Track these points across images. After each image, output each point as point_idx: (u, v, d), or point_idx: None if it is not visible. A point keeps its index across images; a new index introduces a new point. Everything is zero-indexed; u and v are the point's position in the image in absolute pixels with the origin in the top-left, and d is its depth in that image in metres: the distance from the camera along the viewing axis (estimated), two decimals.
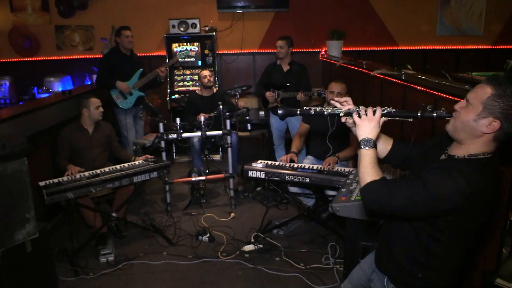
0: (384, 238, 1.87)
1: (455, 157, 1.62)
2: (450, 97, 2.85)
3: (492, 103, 1.49)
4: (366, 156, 1.62)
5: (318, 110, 1.81)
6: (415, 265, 1.70)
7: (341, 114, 1.76)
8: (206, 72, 5.10)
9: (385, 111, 1.67)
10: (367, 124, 1.64)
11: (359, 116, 1.67)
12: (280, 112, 1.90)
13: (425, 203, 1.49)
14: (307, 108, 1.86)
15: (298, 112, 1.85)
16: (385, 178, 1.60)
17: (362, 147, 1.63)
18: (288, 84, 4.90)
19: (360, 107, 1.70)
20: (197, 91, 5.26)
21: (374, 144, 1.63)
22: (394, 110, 1.68)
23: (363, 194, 1.59)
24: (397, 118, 1.70)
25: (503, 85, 1.47)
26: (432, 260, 1.66)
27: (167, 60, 5.99)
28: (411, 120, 1.69)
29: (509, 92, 1.46)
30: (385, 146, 1.92)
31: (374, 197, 1.55)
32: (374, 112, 1.65)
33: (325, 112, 1.79)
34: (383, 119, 1.68)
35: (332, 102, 1.87)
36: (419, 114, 1.65)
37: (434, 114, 1.64)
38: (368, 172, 1.59)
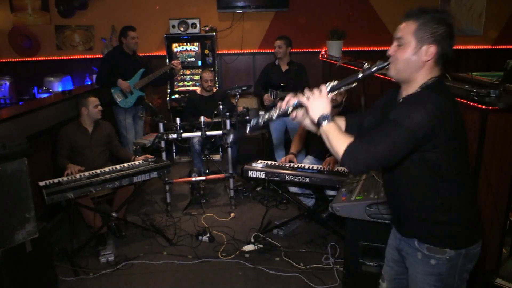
0: (393, 202, 1.85)
1: (410, 95, 1.65)
2: None
3: (421, 32, 1.59)
4: (330, 129, 1.59)
5: (266, 118, 1.74)
6: (436, 212, 1.67)
7: (289, 110, 1.73)
8: (208, 77, 5.10)
9: (329, 86, 1.66)
10: (317, 102, 1.63)
11: (307, 99, 1.65)
12: (232, 140, 1.97)
13: (405, 138, 1.51)
14: (255, 121, 1.75)
15: (248, 129, 1.76)
16: (357, 137, 1.58)
17: (322, 124, 1.60)
18: (282, 84, 4.89)
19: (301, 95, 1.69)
20: (197, 91, 5.27)
21: (332, 117, 1.61)
22: (336, 82, 1.68)
23: (346, 162, 1.54)
24: (342, 89, 1.70)
25: (422, 15, 1.59)
26: (448, 199, 1.65)
27: (167, 61, 5.99)
28: (354, 85, 1.69)
29: (430, 17, 1.58)
30: (340, 124, 1.87)
31: (357, 158, 1.52)
32: (320, 92, 1.65)
33: (274, 117, 1.74)
34: (330, 95, 1.66)
35: (278, 104, 1.80)
36: (359, 75, 1.67)
37: (373, 69, 1.67)
38: (340, 140, 1.56)
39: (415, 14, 1.61)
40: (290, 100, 1.72)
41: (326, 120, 1.60)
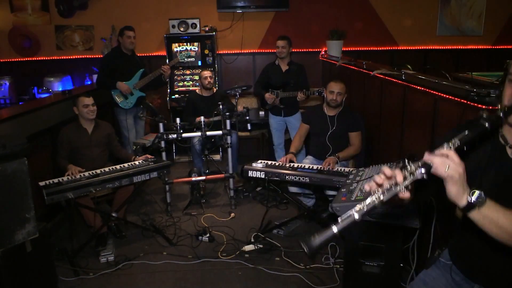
0: (487, 254, 1.47)
1: None
2: (450, 97, 2.85)
3: None
4: (492, 211, 1.19)
5: (375, 201, 1.16)
6: None
7: (402, 189, 1.15)
8: (207, 74, 5.11)
9: (454, 146, 1.18)
10: (459, 175, 1.15)
11: (445, 176, 1.15)
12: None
13: None
14: (357, 210, 1.18)
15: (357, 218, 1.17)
16: None
17: (476, 205, 1.17)
18: (281, 85, 4.89)
19: (409, 165, 1.17)
20: (197, 91, 5.26)
21: (484, 196, 1.18)
22: (458, 138, 1.20)
23: None
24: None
25: None
26: None
27: (167, 61, 5.99)
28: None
29: None
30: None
31: None
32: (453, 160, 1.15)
33: (377, 201, 1.16)
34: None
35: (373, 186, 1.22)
36: (487, 125, 1.22)
37: (501, 114, 1.28)
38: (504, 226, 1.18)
39: None
40: (398, 176, 1.15)
41: (481, 198, 1.17)
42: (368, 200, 1.15)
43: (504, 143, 1.41)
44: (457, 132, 1.25)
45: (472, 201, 1.16)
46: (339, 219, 1.14)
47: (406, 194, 1.14)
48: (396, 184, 1.14)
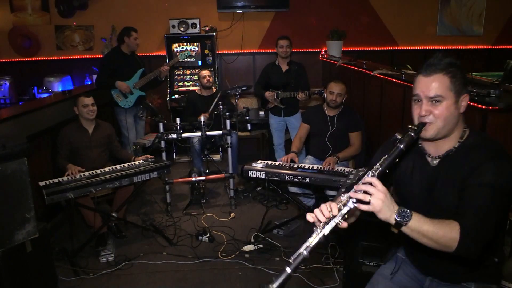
0: (435, 255, 1.58)
1: (453, 150, 1.56)
2: None
3: (455, 84, 1.51)
4: (421, 225, 1.35)
5: (319, 236, 1.29)
6: (493, 257, 1.64)
7: (341, 223, 1.32)
8: (205, 73, 5.12)
9: (377, 172, 1.38)
10: (382, 200, 1.32)
11: (367, 203, 1.33)
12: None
13: (504, 199, 1.45)
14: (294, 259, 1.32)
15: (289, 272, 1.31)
16: (460, 217, 1.41)
17: (403, 223, 1.34)
18: (281, 85, 4.89)
19: (343, 197, 1.35)
20: (196, 91, 5.26)
21: (409, 210, 1.35)
22: (379, 164, 1.40)
23: (467, 247, 1.37)
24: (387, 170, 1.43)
25: (447, 67, 1.51)
26: (500, 242, 1.65)
27: (167, 61, 5.99)
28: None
29: (455, 67, 1.52)
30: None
31: (478, 239, 1.38)
32: (375, 186, 1.33)
33: (325, 232, 1.30)
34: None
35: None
36: (401, 146, 1.41)
37: (412, 134, 1.46)
38: (446, 228, 1.37)
39: (440, 66, 1.51)
40: (332, 209, 1.33)
41: (407, 216, 1.34)
42: (313, 236, 1.29)
43: (425, 152, 1.63)
44: (391, 145, 1.57)
45: (399, 220, 1.33)
46: (291, 260, 1.28)
47: (344, 224, 1.31)
48: (334, 216, 1.30)
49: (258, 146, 6.20)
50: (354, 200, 1.32)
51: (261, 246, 3.62)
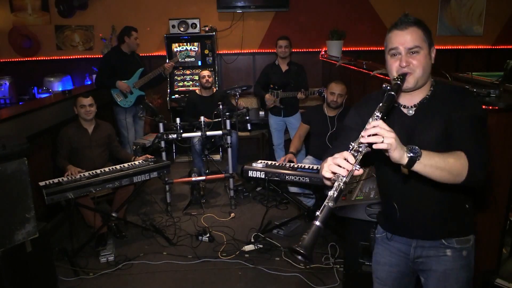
0: (409, 210, 1.71)
1: (427, 97, 1.65)
2: None
3: (427, 37, 1.62)
4: (431, 158, 1.37)
5: (341, 185, 1.28)
6: (465, 206, 1.70)
7: (357, 168, 1.30)
8: (205, 73, 5.12)
9: (380, 116, 1.37)
10: (393, 138, 1.30)
11: (373, 143, 1.31)
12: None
13: (485, 127, 1.56)
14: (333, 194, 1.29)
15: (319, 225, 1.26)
16: (463, 146, 1.46)
17: (416, 159, 1.34)
18: (281, 85, 4.89)
19: (353, 145, 1.34)
20: (197, 91, 5.27)
21: (418, 148, 1.35)
22: (377, 111, 1.39)
23: (478, 174, 1.42)
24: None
25: (417, 21, 1.63)
26: (472, 190, 1.68)
27: (167, 60, 5.99)
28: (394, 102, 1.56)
29: (423, 22, 1.64)
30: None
31: (485, 164, 1.45)
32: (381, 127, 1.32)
33: (342, 184, 1.28)
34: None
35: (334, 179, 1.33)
36: (392, 92, 1.46)
37: (398, 81, 1.53)
38: (454, 159, 1.41)
39: (416, 21, 1.63)
40: (350, 158, 1.30)
41: (418, 152, 1.34)
42: (335, 186, 1.29)
43: (398, 105, 1.70)
44: (365, 103, 1.76)
45: (412, 155, 1.33)
46: (318, 213, 1.27)
47: (360, 171, 1.30)
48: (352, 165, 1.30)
49: (258, 146, 6.20)
50: (366, 145, 1.31)
51: (261, 246, 3.63)
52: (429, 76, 1.66)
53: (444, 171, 1.38)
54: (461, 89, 1.60)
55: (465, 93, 1.62)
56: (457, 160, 1.40)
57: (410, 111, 1.68)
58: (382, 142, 1.29)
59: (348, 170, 1.28)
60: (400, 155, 1.32)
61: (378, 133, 1.30)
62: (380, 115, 1.37)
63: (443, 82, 1.67)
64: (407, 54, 1.59)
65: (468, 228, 1.74)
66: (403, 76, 1.57)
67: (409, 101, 1.68)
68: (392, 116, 1.68)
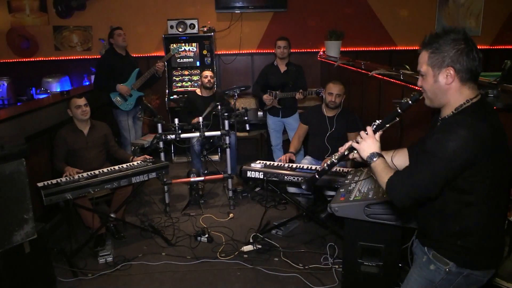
0: (419, 215, 1.86)
1: (446, 117, 1.68)
2: None
3: (433, 60, 1.64)
4: (376, 166, 1.71)
5: (329, 163, 1.92)
6: (452, 236, 1.67)
7: (346, 153, 1.88)
8: (208, 73, 5.14)
9: (374, 126, 1.78)
10: (365, 144, 1.75)
11: (357, 142, 1.78)
12: (304, 187, 2.03)
13: (441, 168, 1.53)
14: (320, 168, 2.02)
15: (317, 176, 1.96)
16: (398, 170, 1.68)
17: (371, 162, 1.72)
18: (279, 86, 4.89)
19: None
20: (197, 91, 5.26)
21: (378, 155, 1.72)
22: (380, 121, 1.79)
23: (388, 194, 1.64)
24: (387, 126, 1.78)
25: (431, 43, 1.66)
26: (467, 227, 1.65)
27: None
28: (398, 119, 1.78)
29: (439, 43, 1.64)
30: (404, 158, 1.96)
31: (396, 190, 1.60)
32: (367, 133, 1.76)
33: (335, 161, 1.91)
34: (378, 134, 1.77)
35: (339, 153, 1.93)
36: (399, 110, 1.74)
37: (410, 102, 1.73)
38: (383, 175, 1.67)
39: (425, 44, 1.69)
40: (346, 145, 1.89)
41: (374, 158, 1.72)
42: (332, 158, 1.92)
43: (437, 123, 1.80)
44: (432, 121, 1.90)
45: (366, 159, 1.75)
46: (319, 167, 1.84)
47: (355, 156, 1.85)
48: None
49: (257, 146, 6.20)
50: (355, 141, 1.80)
51: (259, 246, 3.62)
52: (455, 97, 1.64)
53: (378, 181, 1.72)
54: (450, 122, 1.60)
55: (445, 128, 1.58)
56: (383, 178, 1.66)
57: (438, 123, 1.75)
58: (357, 143, 1.78)
59: (340, 152, 1.90)
60: (363, 155, 1.76)
61: (361, 136, 1.77)
62: (375, 125, 1.78)
63: (473, 106, 1.62)
64: (420, 77, 1.73)
65: (449, 253, 1.69)
66: (417, 96, 1.73)
67: (442, 114, 1.74)
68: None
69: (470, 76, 1.61)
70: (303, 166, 3.70)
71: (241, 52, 6.61)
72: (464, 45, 1.61)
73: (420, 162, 1.58)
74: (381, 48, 6.70)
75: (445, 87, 1.63)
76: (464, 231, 1.65)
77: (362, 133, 1.77)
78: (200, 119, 4.38)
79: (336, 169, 3.58)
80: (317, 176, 1.95)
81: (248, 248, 3.62)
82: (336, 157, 1.91)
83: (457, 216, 1.65)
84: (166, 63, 5.41)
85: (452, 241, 1.68)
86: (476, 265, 1.68)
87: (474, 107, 1.61)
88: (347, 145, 1.88)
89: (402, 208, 1.67)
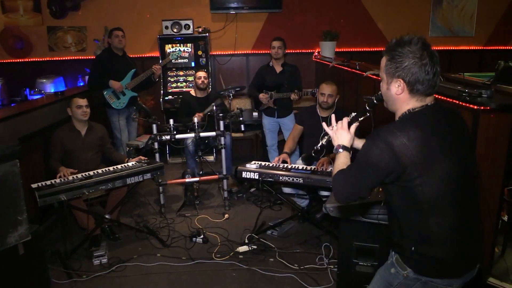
0: (388, 216, 1.90)
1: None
2: (442, 97, 2.87)
3: (388, 68, 1.65)
4: (338, 158, 1.79)
5: (319, 146, 2.25)
6: (410, 243, 1.65)
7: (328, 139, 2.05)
8: (201, 74, 5.12)
9: (350, 118, 1.88)
10: (338, 133, 1.84)
11: (333, 130, 1.89)
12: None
13: (366, 174, 1.60)
14: (314, 148, 2.36)
15: (314, 154, 2.36)
16: (343, 169, 1.73)
17: (335, 151, 1.82)
18: (275, 86, 4.90)
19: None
20: (191, 92, 5.26)
21: (344, 148, 1.81)
22: (354, 114, 1.90)
23: (332, 190, 1.72)
24: (360, 119, 1.89)
25: (390, 51, 1.67)
26: (419, 232, 1.63)
27: (160, 61, 5.98)
28: (368, 114, 1.88)
29: (397, 53, 1.64)
30: None
31: (337, 188, 1.69)
32: (342, 124, 1.86)
33: (324, 143, 2.20)
34: (354, 125, 1.85)
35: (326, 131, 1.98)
36: (367, 107, 1.86)
37: (374, 100, 1.82)
38: (336, 169, 1.74)
39: (386, 50, 1.70)
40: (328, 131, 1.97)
41: (340, 150, 1.80)
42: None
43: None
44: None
45: (334, 149, 1.83)
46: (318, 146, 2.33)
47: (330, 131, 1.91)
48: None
49: (252, 147, 6.20)
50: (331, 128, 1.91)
51: (255, 247, 3.62)
52: (400, 106, 1.66)
53: (333, 170, 1.78)
54: (376, 134, 1.62)
55: (372, 136, 1.62)
56: (335, 171, 1.73)
57: None
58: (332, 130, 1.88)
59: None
60: (334, 144, 1.85)
61: (337, 126, 1.87)
62: (352, 116, 1.89)
63: (400, 121, 1.66)
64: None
65: (408, 260, 1.68)
66: (380, 96, 1.78)
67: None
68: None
69: (421, 89, 1.61)
70: (298, 167, 3.70)
71: (236, 52, 6.61)
72: (418, 59, 1.61)
73: (354, 166, 1.67)
74: (375, 49, 6.71)
75: (394, 96, 1.66)
76: (418, 238, 1.63)
77: (338, 122, 1.86)
78: (196, 118, 4.37)
79: (330, 169, 3.59)
80: (313, 154, 2.33)
81: (243, 248, 3.62)
82: (325, 139, 2.17)
83: (411, 223, 1.64)
84: (161, 68, 5.39)
85: (408, 247, 1.66)
86: (434, 273, 1.64)
87: (408, 117, 1.63)
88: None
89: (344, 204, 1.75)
